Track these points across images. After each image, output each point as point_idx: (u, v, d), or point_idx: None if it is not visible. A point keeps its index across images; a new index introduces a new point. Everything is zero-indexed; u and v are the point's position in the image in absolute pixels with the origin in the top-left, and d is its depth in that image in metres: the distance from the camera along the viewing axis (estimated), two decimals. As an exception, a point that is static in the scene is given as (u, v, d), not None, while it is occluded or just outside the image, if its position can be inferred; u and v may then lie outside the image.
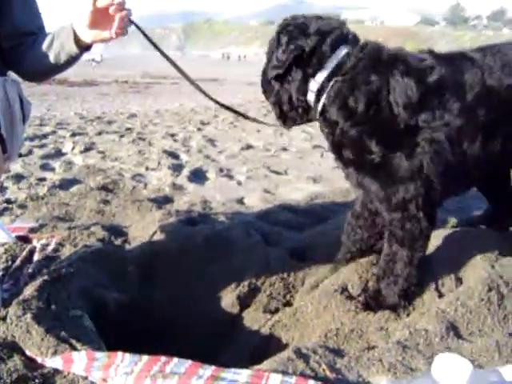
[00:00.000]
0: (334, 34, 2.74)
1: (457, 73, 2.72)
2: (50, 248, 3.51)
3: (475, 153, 2.73)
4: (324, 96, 2.74)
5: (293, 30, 2.76)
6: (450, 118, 2.63)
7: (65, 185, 5.47)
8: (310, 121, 3.07)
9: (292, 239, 3.90)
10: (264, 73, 2.98)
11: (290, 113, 2.94)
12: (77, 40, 2.68)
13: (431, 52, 2.85)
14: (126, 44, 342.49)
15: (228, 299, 3.25)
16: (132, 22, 2.74)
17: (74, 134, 8.82)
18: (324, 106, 2.76)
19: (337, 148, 2.85)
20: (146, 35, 3.13)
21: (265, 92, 3.04)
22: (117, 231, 4.05)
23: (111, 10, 2.52)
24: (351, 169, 2.84)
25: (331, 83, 2.70)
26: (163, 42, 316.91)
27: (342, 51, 2.72)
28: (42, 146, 7.66)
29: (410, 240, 2.76)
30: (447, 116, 2.63)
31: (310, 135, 9.38)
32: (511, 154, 2.87)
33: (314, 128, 8.57)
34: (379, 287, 2.88)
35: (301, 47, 2.70)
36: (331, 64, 2.70)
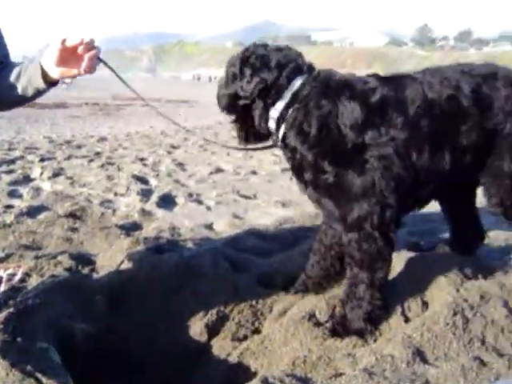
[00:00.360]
0: (290, 66, 2.94)
1: (398, 90, 2.87)
2: (17, 278, 3.49)
3: (425, 164, 2.84)
4: (283, 124, 2.92)
5: (255, 62, 2.93)
6: (395, 133, 2.77)
7: (32, 212, 5.41)
8: (271, 146, 3.26)
9: (260, 265, 3.92)
10: (224, 95, 3.11)
11: (252, 136, 3.16)
12: (44, 75, 2.70)
13: (376, 75, 3.02)
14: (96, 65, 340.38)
15: (196, 327, 3.24)
16: (101, 60, 2.78)
17: (42, 159, 8.77)
18: (284, 133, 2.93)
19: (297, 171, 2.99)
20: (113, 71, 3.20)
21: (224, 111, 3.20)
22: (84, 260, 4.04)
23: (80, 49, 2.55)
24: (310, 190, 2.96)
25: (289, 111, 2.88)
26: (134, 64, 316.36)
27: (298, 82, 2.91)
28: (9, 172, 7.60)
29: (369, 261, 2.82)
30: (392, 131, 2.77)
31: (279, 158, 9.44)
32: (462, 163, 2.97)
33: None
34: (344, 312, 2.93)
35: (265, 80, 2.88)
36: (288, 94, 2.90)
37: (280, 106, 2.91)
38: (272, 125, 2.97)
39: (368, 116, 2.78)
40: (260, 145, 3.30)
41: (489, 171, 3.05)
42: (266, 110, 2.95)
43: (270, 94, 2.92)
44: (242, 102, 2.98)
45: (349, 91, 2.84)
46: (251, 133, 3.15)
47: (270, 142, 3.21)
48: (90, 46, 2.59)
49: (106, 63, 2.94)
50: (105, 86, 52.14)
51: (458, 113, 2.88)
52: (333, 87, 2.88)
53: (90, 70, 2.67)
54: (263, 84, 2.89)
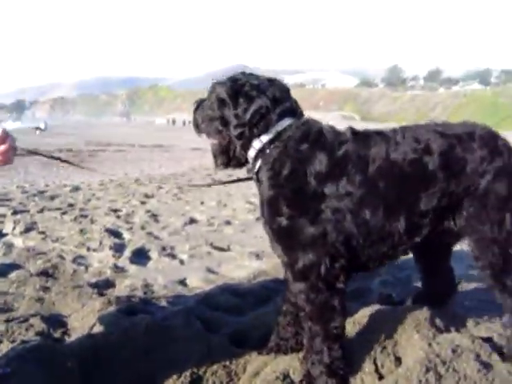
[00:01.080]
0: (285, 104, 3.07)
1: (364, 147, 2.95)
2: (-13, 345, 3.46)
3: (378, 224, 2.90)
4: (261, 157, 3.02)
5: (251, 91, 3.03)
6: (352, 189, 2.85)
7: (3, 270, 5.35)
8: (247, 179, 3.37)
9: (233, 324, 3.93)
10: (207, 119, 3.20)
11: (229, 160, 3.23)
12: None
13: (351, 129, 3.11)
14: (70, 110, 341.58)
15: (170, 390, 3.20)
16: (16, 150, 2.72)
17: (15, 212, 8.70)
18: (260, 166, 3.03)
19: (261, 207, 3.07)
20: (35, 154, 3.17)
21: (198, 129, 3.31)
22: (56, 322, 4.00)
23: None
24: (267, 229, 3.02)
25: (271, 146, 2.98)
26: (108, 108, 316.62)
27: (286, 122, 3.02)
28: (-19, 227, 7.51)
29: (318, 312, 2.87)
30: (349, 187, 2.84)
31: (253, 206, 9.48)
32: (422, 226, 3.03)
33: (258, 199, 8.64)
34: (307, 368, 2.95)
35: (263, 107, 2.99)
36: (274, 130, 3.00)
37: (265, 139, 3.00)
38: (252, 154, 3.06)
39: (331, 168, 2.86)
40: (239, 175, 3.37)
41: (473, 236, 3.09)
42: (251, 139, 3.04)
43: (259, 124, 3.01)
44: (237, 130, 3.03)
45: (322, 142, 2.95)
46: (230, 158, 3.22)
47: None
48: (3, 139, 2.56)
49: (24, 151, 2.89)
50: (79, 131, 52.10)
51: (421, 177, 2.94)
52: (311, 135, 2.97)
53: (6, 161, 2.62)
54: (263, 111, 2.99)
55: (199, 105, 3.32)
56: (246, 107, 3.00)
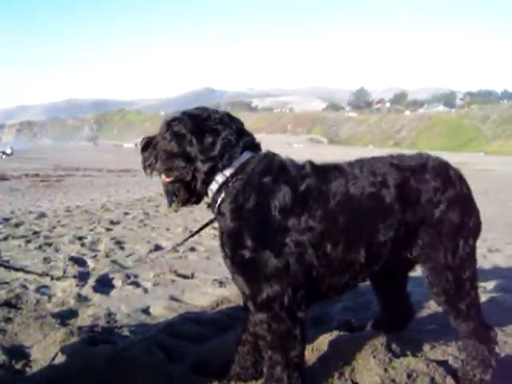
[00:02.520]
0: (247, 138, 3.18)
1: (324, 182, 3.06)
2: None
3: (339, 256, 3.01)
4: (224, 191, 3.08)
5: (215, 124, 3.11)
6: (313, 223, 2.95)
7: (-35, 301, 5.27)
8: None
9: (195, 353, 3.97)
10: (165, 155, 3.16)
11: (190, 196, 3.24)
12: None
13: (310, 162, 3.20)
14: (38, 134, 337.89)
15: (130, 422, 3.23)
16: None
17: (-21, 241, 8.55)
18: (222, 199, 3.09)
19: (221, 241, 3.14)
20: None
21: (151, 168, 3.26)
22: (18, 353, 4.01)
23: None
24: (229, 262, 3.09)
25: (234, 179, 3.06)
26: (76, 133, 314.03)
27: (248, 155, 3.11)
28: None
29: (279, 341, 2.95)
30: (311, 221, 2.95)
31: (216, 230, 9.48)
32: (381, 256, 3.16)
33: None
34: None
35: (229, 141, 3.08)
36: (237, 163, 3.08)
37: (228, 172, 3.07)
38: (214, 188, 3.11)
39: (295, 202, 2.96)
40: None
41: (428, 263, 3.24)
42: (213, 173, 3.09)
43: (223, 158, 3.07)
44: (206, 165, 3.07)
45: (285, 175, 3.04)
46: (191, 194, 3.23)
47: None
48: None
49: None
50: (46, 156, 51.60)
51: (379, 210, 3.07)
52: (274, 169, 3.07)
53: None
54: (230, 144, 3.07)
55: (147, 143, 3.29)
56: (214, 140, 3.05)
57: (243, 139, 3.15)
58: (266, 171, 3.05)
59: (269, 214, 2.94)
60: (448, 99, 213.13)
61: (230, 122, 3.16)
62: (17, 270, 3.73)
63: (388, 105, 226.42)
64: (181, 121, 3.16)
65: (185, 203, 3.29)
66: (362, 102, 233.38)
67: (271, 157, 3.17)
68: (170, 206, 3.33)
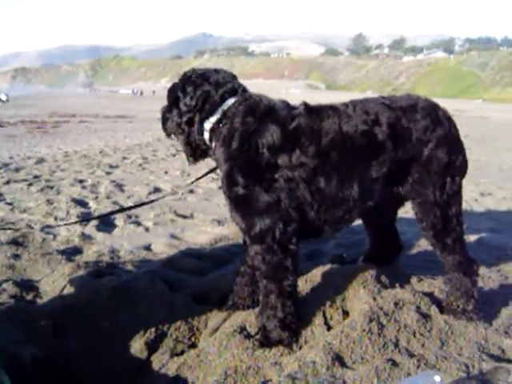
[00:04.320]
0: (227, 86, 3.34)
1: (316, 121, 3.21)
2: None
3: (332, 191, 3.18)
4: (214, 136, 3.30)
5: (196, 79, 3.34)
6: (305, 160, 3.11)
7: (-27, 240, 5.44)
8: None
9: (195, 285, 4.19)
10: (168, 119, 3.49)
11: (196, 150, 3.49)
12: None
13: (305, 104, 3.34)
14: (32, 80, 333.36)
15: (136, 345, 3.48)
16: None
17: (-20, 184, 8.67)
18: (215, 145, 3.31)
19: (221, 182, 3.33)
20: None
21: (169, 133, 3.56)
22: (28, 286, 4.22)
23: None
24: (227, 201, 3.30)
25: (220, 125, 3.27)
26: (70, 79, 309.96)
27: (230, 101, 3.29)
28: None
29: (272, 271, 3.16)
30: (303, 158, 3.10)
31: (216, 175, 9.59)
32: (373, 191, 3.33)
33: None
34: (263, 322, 3.26)
35: (206, 92, 3.29)
36: (220, 110, 3.27)
37: (213, 119, 3.28)
38: (206, 136, 3.34)
39: (284, 140, 3.12)
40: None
41: (417, 199, 3.41)
42: (202, 123, 3.32)
43: (205, 108, 3.29)
44: (185, 118, 3.34)
45: (272, 115, 3.20)
46: (197, 151, 3.49)
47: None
48: None
49: None
50: (41, 102, 51.03)
51: (371, 147, 3.22)
52: (259, 110, 3.23)
53: None
54: (205, 95, 3.28)
55: (165, 109, 3.57)
56: (192, 94, 3.30)
57: (224, 87, 3.32)
58: (248, 112, 3.21)
59: (256, 151, 3.10)
60: (447, 45, 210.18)
61: (211, 75, 3.36)
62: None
63: (387, 51, 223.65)
64: (176, 85, 3.44)
65: (194, 158, 3.56)
66: (360, 47, 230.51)
67: (255, 99, 3.32)
68: (189, 163, 3.62)
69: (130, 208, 4.35)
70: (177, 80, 3.48)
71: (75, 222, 4.06)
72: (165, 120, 3.52)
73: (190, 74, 3.39)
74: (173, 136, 3.55)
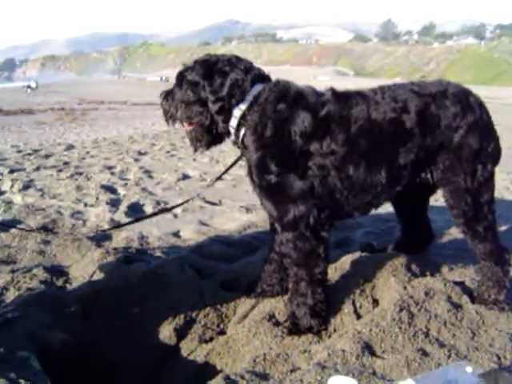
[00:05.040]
0: (254, 72, 3.28)
1: (345, 108, 3.16)
2: (-5, 292, 3.69)
3: (361, 178, 3.15)
4: (244, 124, 3.23)
5: (224, 66, 3.24)
6: (335, 147, 3.08)
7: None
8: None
9: (224, 271, 4.20)
10: (182, 105, 3.34)
11: (216, 139, 3.44)
12: None
13: (332, 89, 3.30)
14: (61, 67, 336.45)
15: (166, 331, 3.49)
16: None
17: (12, 171, 8.80)
18: (244, 133, 3.25)
19: (249, 171, 3.30)
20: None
21: (173, 118, 3.44)
22: (58, 272, 4.25)
23: None
24: (257, 190, 3.27)
25: (251, 112, 3.20)
26: (99, 66, 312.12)
27: (259, 86, 3.23)
28: (-21, 185, 7.63)
29: (304, 259, 3.14)
30: (333, 145, 3.07)
31: (245, 162, 9.56)
32: (401, 178, 3.28)
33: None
34: (292, 310, 3.23)
35: (237, 80, 3.21)
36: (250, 97, 3.21)
37: (244, 106, 3.21)
38: (234, 124, 3.26)
39: (316, 127, 3.08)
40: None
41: (448, 186, 3.35)
42: (230, 111, 3.25)
43: (236, 95, 3.22)
44: (216, 105, 3.22)
45: (303, 102, 3.16)
46: (214, 136, 3.40)
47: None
48: None
49: None
50: (70, 89, 51.53)
51: (399, 134, 3.17)
52: (289, 96, 3.19)
53: None
54: (236, 82, 3.20)
55: (166, 95, 3.45)
56: (222, 82, 3.20)
57: (251, 73, 3.26)
58: (279, 99, 3.17)
59: (289, 139, 3.07)
60: (477, 31, 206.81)
61: (237, 62, 3.29)
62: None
63: (416, 37, 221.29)
64: (193, 69, 3.30)
65: (209, 146, 3.47)
66: (389, 33, 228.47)
67: (284, 85, 3.27)
68: (195, 151, 3.50)
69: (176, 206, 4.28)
70: (190, 64, 3.38)
71: (128, 223, 4.07)
72: (173, 107, 3.40)
73: (215, 61, 3.29)
74: (176, 124, 3.47)
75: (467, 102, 3.29)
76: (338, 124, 3.11)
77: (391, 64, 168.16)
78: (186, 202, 4.00)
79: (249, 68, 3.29)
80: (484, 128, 3.32)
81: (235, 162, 3.75)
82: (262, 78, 3.31)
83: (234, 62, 3.28)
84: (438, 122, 3.20)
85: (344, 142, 3.08)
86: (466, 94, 3.36)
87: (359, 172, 3.13)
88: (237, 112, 3.24)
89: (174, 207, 4.21)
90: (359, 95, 3.26)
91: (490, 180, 3.37)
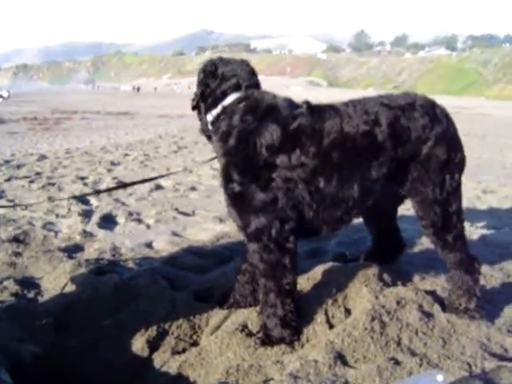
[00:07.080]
0: (231, 81, 3.35)
1: (319, 121, 3.19)
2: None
3: (332, 191, 3.17)
4: (214, 130, 3.34)
5: (206, 71, 3.40)
6: (305, 160, 3.10)
7: (-25, 238, 5.41)
8: None
9: (197, 282, 4.19)
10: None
11: (209, 139, 3.55)
12: None
13: (307, 103, 3.33)
14: (34, 77, 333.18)
15: (138, 343, 3.47)
16: None
17: (-18, 181, 8.63)
18: (214, 139, 3.36)
19: (220, 177, 3.35)
20: None
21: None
22: (29, 284, 4.21)
23: None
24: (224, 197, 3.32)
25: (219, 120, 3.29)
26: (72, 75, 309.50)
27: (232, 96, 3.30)
28: (-50, 197, 7.51)
29: (270, 270, 3.16)
30: (303, 158, 3.10)
31: (218, 172, 9.55)
32: (374, 191, 3.32)
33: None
34: (264, 321, 3.25)
35: (206, 86, 3.35)
36: (220, 105, 3.30)
37: (214, 112, 3.32)
38: (210, 128, 3.39)
39: (284, 140, 3.11)
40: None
41: (417, 197, 3.39)
42: (206, 113, 3.40)
43: (208, 101, 3.36)
44: (192, 104, 3.46)
45: (274, 114, 3.19)
46: (204, 131, 3.55)
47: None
48: None
49: None
50: (43, 99, 51.00)
51: (372, 147, 3.21)
52: (260, 108, 3.22)
53: None
54: (205, 89, 3.35)
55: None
56: (198, 85, 3.39)
57: (228, 83, 3.33)
58: (248, 110, 3.21)
59: (254, 150, 3.10)
60: (449, 42, 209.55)
61: (220, 67, 3.38)
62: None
63: (389, 47, 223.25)
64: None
65: (209, 138, 3.57)
66: (362, 44, 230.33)
67: (257, 97, 3.31)
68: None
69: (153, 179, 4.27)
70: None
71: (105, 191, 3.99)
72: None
73: (207, 64, 3.43)
74: None
75: (434, 114, 3.36)
76: (310, 137, 3.13)
77: (364, 74, 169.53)
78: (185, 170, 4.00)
79: (227, 76, 3.35)
80: (451, 138, 3.39)
81: (212, 159, 3.83)
82: (238, 87, 3.34)
83: (216, 67, 3.39)
84: (409, 134, 3.25)
85: (315, 154, 3.11)
86: (433, 105, 3.42)
87: (330, 185, 3.15)
88: (209, 117, 3.35)
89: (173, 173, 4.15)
90: (332, 109, 3.29)
91: (457, 190, 3.42)
